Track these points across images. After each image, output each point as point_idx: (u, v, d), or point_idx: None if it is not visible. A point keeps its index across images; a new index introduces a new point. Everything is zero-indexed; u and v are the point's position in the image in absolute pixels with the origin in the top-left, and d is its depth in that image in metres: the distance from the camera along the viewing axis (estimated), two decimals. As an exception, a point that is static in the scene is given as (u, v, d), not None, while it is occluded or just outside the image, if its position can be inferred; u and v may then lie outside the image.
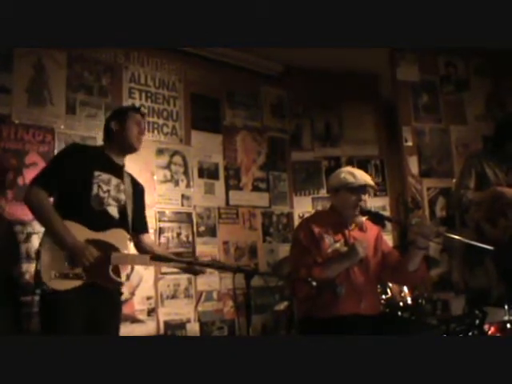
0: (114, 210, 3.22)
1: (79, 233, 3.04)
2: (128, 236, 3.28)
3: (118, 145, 3.33)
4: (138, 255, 3.45)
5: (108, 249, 3.11)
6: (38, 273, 2.95)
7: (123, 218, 3.27)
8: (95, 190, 3.14)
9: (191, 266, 3.44)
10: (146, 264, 3.40)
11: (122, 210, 3.27)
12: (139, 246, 3.48)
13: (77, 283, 2.99)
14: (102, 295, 3.11)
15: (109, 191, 3.20)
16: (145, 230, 3.54)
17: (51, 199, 3.18)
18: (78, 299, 2.97)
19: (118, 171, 3.32)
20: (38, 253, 3.02)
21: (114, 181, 3.25)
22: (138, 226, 3.44)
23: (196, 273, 3.49)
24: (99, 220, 3.14)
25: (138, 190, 3.49)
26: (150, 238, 3.60)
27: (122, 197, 3.28)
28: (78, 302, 2.97)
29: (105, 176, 3.21)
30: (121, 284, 3.25)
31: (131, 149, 3.38)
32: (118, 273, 3.19)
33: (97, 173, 3.18)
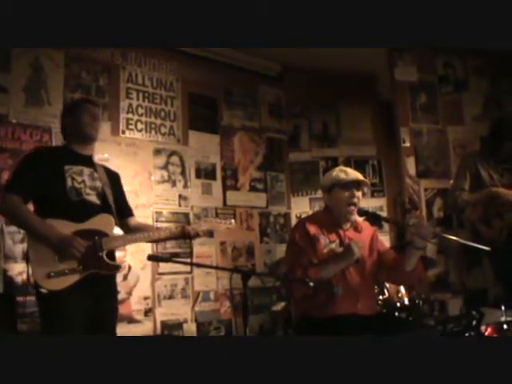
0: (93, 198, 3.16)
1: (64, 228, 2.99)
2: (113, 220, 3.22)
3: (75, 137, 3.26)
4: (128, 235, 3.36)
5: (97, 235, 3.06)
6: (30, 276, 2.91)
7: (105, 203, 3.21)
8: (69, 182, 3.09)
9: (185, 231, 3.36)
10: (137, 242, 3.33)
11: (102, 196, 3.21)
12: (128, 230, 3.41)
13: (74, 278, 2.94)
14: (100, 285, 3.06)
15: (84, 181, 3.15)
16: (130, 213, 3.49)
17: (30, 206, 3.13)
18: (77, 295, 2.92)
19: (88, 161, 3.27)
20: (26, 256, 2.97)
21: (87, 171, 3.19)
22: (122, 211, 3.39)
23: (192, 237, 3.43)
24: (81, 210, 3.08)
25: (113, 177, 3.42)
26: (136, 220, 3.53)
27: (99, 184, 3.22)
28: (78, 298, 2.92)
29: (76, 168, 3.15)
30: (119, 267, 3.24)
31: (88, 138, 3.29)
32: (113, 258, 3.17)
33: (67, 167, 3.12)
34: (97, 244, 3.04)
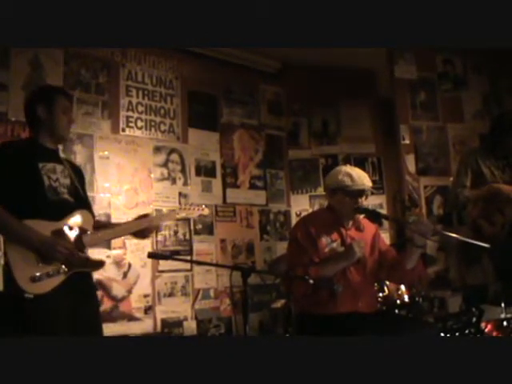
0: (67, 196, 3.03)
1: (42, 228, 2.86)
2: (92, 215, 3.14)
3: (47, 133, 3.08)
4: (107, 230, 3.27)
5: (77, 233, 2.97)
6: (13, 283, 2.75)
7: (78, 200, 3.09)
8: (46, 181, 2.95)
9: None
10: (117, 236, 3.26)
11: (74, 193, 3.08)
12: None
13: (59, 279, 2.84)
14: (80, 283, 2.97)
15: (58, 179, 3.01)
16: (90, 207, 3.28)
17: None
18: (61, 296, 2.83)
19: (57, 157, 3.15)
20: (6, 262, 2.80)
21: (58, 168, 3.06)
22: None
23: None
24: (58, 209, 2.95)
25: (78, 173, 3.29)
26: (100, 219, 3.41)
27: (69, 181, 3.08)
28: (63, 299, 2.83)
29: (49, 165, 3.01)
30: (103, 263, 3.14)
31: (62, 139, 3.21)
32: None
33: (41, 164, 2.98)
34: (79, 242, 2.96)
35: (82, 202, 3.14)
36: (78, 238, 2.98)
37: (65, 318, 2.84)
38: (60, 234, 2.92)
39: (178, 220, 5.22)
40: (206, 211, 3.67)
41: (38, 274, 2.79)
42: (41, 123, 3.08)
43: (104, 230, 3.26)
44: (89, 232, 3.06)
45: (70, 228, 2.97)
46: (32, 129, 3.15)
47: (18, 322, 2.84)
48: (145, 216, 3.37)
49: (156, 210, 5.11)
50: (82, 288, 2.99)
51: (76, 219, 3.02)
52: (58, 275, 2.85)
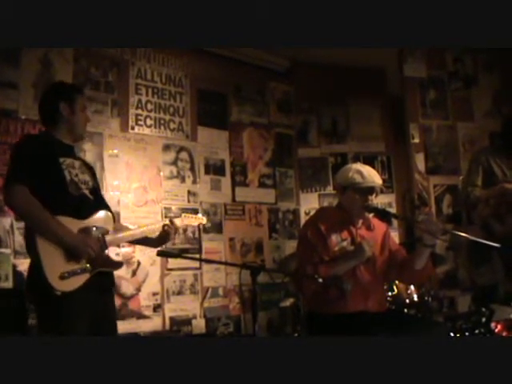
0: (87, 193, 3.03)
1: (68, 225, 2.85)
2: (112, 216, 3.13)
3: (66, 130, 3.08)
4: (128, 232, 3.27)
5: (99, 233, 2.97)
6: (42, 278, 2.73)
7: (97, 198, 3.09)
8: (68, 176, 2.94)
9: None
10: (136, 239, 3.26)
11: (93, 190, 3.09)
12: None
13: (85, 278, 2.85)
14: (102, 282, 2.98)
15: (77, 175, 3.01)
16: (109, 208, 3.26)
17: None
18: (85, 294, 2.83)
19: (73, 153, 3.14)
20: (36, 256, 2.77)
21: (76, 163, 3.06)
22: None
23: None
24: (80, 206, 2.95)
25: (92, 170, 3.27)
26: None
27: (88, 178, 3.09)
28: (86, 297, 2.84)
29: (68, 160, 3.00)
30: (122, 264, 3.18)
31: (80, 138, 3.22)
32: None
33: (61, 159, 2.97)
34: (102, 243, 2.97)
35: (101, 200, 3.15)
36: (102, 237, 2.98)
37: (86, 316, 2.86)
38: (86, 232, 2.92)
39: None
40: (204, 220, 3.72)
41: (66, 272, 2.79)
42: (61, 120, 3.07)
43: (124, 231, 3.26)
44: (110, 232, 3.06)
45: (95, 227, 2.98)
46: (49, 125, 3.12)
47: (46, 318, 2.86)
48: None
49: (165, 208, 5.13)
50: (102, 286, 3.00)
51: (99, 219, 3.03)
52: (84, 273, 2.86)
